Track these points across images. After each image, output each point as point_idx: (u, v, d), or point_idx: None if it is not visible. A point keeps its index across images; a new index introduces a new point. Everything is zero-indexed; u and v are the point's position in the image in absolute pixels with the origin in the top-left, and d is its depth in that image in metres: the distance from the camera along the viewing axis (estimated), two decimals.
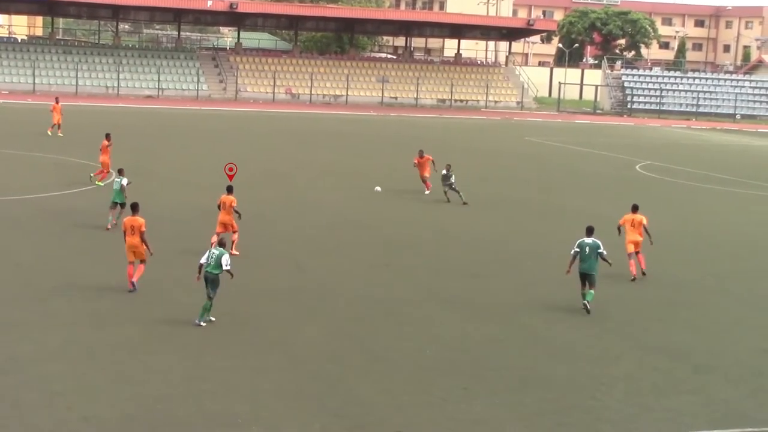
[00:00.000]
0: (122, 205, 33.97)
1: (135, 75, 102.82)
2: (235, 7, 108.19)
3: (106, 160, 43.05)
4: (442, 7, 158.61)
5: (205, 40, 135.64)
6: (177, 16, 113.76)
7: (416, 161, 45.32)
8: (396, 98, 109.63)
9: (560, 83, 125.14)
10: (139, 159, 48.28)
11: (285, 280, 28.27)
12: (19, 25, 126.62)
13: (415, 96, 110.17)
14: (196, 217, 36.15)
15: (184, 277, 25.96)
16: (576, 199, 45.86)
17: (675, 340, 24.24)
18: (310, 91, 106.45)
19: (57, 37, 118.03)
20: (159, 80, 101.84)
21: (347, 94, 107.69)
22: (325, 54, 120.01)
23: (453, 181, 42.07)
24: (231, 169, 41.00)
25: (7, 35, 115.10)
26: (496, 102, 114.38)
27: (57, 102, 62.82)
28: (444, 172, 42.52)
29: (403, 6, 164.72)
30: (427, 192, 44.47)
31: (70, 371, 19.71)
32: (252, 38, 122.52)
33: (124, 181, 34.72)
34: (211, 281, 23.36)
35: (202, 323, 23.12)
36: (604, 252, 26.18)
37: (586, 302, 25.93)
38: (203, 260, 23.36)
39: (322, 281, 28.40)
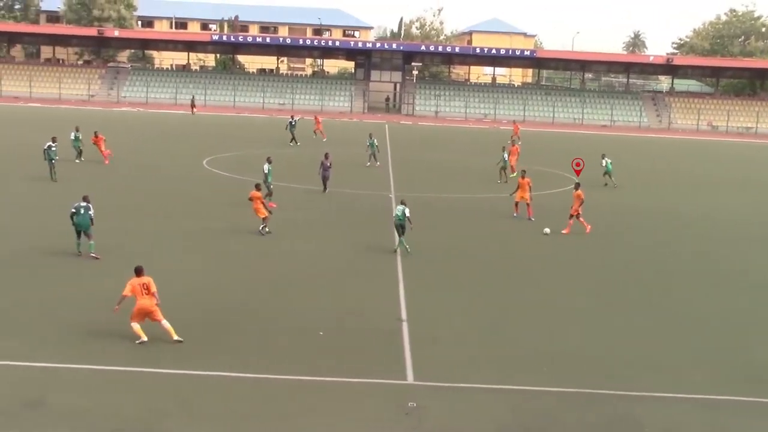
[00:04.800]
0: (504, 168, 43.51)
1: (596, 110, 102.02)
2: (671, 60, 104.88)
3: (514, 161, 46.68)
4: None
5: (647, 85, 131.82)
6: (627, 68, 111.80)
7: None
8: None
9: None
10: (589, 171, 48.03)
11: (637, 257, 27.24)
12: (516, 75, 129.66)
13: None
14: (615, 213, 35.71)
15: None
16: None
17: None
18: (726, 124, 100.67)
19: (541, 83, 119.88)
20: (612, 114, 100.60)
21: (757, 126, 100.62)
22: (740, 95, 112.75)
23: None
24: (578, 165, 38.22)
25: (507, 83, 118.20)
26: None
27: (515, 123, 71.65)
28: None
29: None
30: None
31: None
32: (682, 84, 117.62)
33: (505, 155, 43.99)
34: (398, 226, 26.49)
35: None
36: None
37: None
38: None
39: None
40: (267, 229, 28.38)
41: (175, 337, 17.33)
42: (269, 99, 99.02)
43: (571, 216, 30.90)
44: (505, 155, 44.92)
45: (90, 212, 24.20)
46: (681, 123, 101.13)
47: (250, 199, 28.68)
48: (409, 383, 15.99)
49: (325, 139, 62.15)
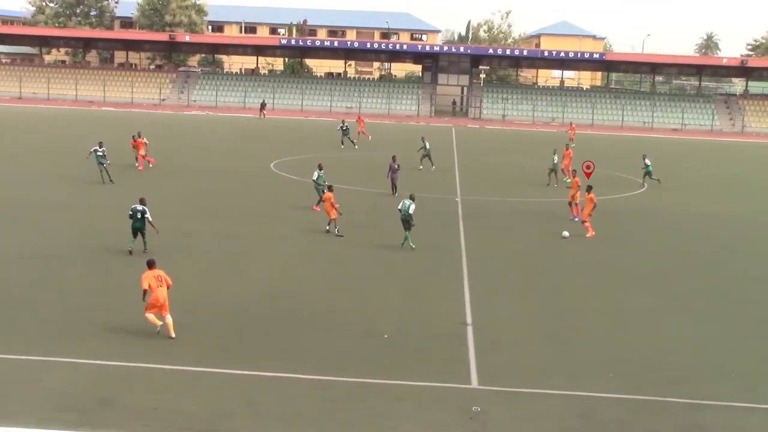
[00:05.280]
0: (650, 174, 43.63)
1: (666, 113, 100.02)
2: (745, 62, 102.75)
3: (568, 164, 44.68)
4: None
5: (719, 87, 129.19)
6: (699, 71, 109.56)
7: None
8: None
9: None
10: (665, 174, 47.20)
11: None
12: (584, 78, 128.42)
13: None
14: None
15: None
16: None
17: None
18: None
19: (610, 86, 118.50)
20: (682, 117, 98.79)
21: None
22: None
23: None
24: (588, 167, 37.73)
25: (575, 86, 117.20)
26: None
27: (571, 124, 72.54)
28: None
29: None
30: None
31: None
32: (758, 86, 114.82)
33: (555, 158, 43.31)
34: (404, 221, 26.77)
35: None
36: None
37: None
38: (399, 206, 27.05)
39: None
40: (337, 230, 28.86)
41: (172, 335, 17.76)
42: (337, 102, 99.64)
43: (584, 221, 30.38)
44: (555, 158, 44.40)
45: (147, 215, 24.58)
46: (755, 126, 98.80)
47: (323, 201, 29.36)
48: (473, 387, 15.94)
49: (369, 138, 62.91)
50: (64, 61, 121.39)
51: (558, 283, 24.07)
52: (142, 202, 25.04)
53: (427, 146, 48.65)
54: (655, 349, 18.49)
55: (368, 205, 35.60)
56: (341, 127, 60.51)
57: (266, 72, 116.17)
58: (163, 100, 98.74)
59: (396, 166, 38.01)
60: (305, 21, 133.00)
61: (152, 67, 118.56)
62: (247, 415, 14.33)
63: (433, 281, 23.58)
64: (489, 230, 31.15)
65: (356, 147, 58.67)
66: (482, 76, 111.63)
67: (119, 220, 28.08)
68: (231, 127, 73.57)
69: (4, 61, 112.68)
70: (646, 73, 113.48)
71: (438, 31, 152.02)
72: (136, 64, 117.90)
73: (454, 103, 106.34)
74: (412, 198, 27.25)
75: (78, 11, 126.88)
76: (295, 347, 17.64)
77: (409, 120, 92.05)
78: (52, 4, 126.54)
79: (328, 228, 29.23)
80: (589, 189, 30.64)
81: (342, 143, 59.22)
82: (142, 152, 43.29)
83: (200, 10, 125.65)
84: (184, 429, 13.71)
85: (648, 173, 44.89)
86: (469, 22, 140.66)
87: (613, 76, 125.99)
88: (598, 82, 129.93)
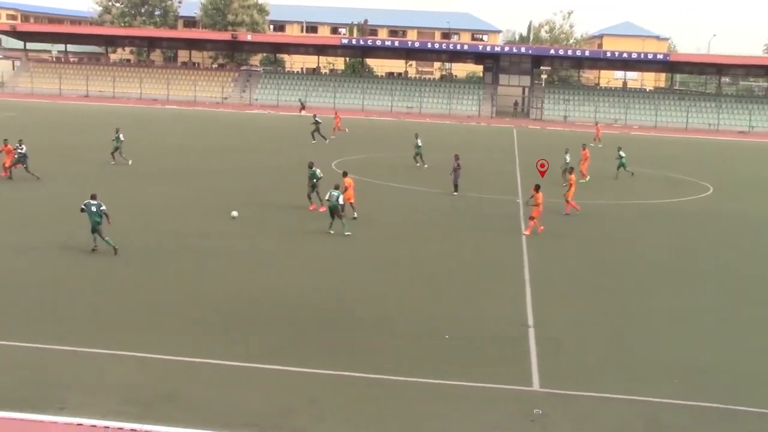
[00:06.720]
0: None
1: (732, 115, 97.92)
2: None
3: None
4: None
5: None
6: (767, 71, 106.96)
7: None
8: None
9: None
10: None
11: None
12: (648, 80, 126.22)
13: None
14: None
15: None
16: None
17: None
18: None
19: (675, 88, 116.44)
20: (750, 119, 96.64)
21: None
22: None
23: None
24: (543, 166, 37.21)
25: (638, 87, 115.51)
26: None
27: (596, 124, 69.73)
28: None
29: None
30: None
31: None
32: None
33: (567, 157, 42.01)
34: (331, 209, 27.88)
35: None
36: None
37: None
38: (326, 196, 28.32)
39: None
40: (355, 216, 30.30)
41: None
42: (397, 102, 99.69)
43: (532, 218, 29.95)
44: (567, 157, 43.66)
45: (102, 208, 23.97)
46: None
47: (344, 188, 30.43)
48: (534, 390, 15.78)
49: (347, 131, 64.00)
50: (129, 60, 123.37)
51: (621, 285, 23.75)
52: (93, 197, 24.28)
53: (419, 143, 47.71)
54: (724, 354, 18.10)
55: (428, 205, 35.53)
56: (314, 121, 60.47)
57: (327, 71, 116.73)
58: (226, 98, 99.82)
59: (456, 165, 38.16)
60: (366, 21, 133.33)
61: (215, 66, 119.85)
62: (308, 412, 14.38)
63: (494, 283, 23.45)
64: (550, 232, 30.85)
65: (327, 142, 58.95)
66: (544, 76, 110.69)
67: (174, 219, 28.47)
68: (292, 125, 74.00)
69: (72, 60, 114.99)
70: (712, 74, 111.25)
71: (499, 32, 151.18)
72: (199, 63, 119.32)
73: (515, 103, 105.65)
74: (337, 188, 28.54)
75: (143, 11, 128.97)
76: (356, 347, 17.64)
77: (470, 121, 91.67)
78: (117, 4, 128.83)
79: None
80: (537, 188, 29.94)
81: (313, 138, 59.31)
82: (7, 161, 38.07)
83: (262, 10, 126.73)
84: (245, 425, 13.82)
85: (622, 165, 45.86)
86: (531, 23, 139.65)
87: (678, 77, 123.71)
88: (662, 84, 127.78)
